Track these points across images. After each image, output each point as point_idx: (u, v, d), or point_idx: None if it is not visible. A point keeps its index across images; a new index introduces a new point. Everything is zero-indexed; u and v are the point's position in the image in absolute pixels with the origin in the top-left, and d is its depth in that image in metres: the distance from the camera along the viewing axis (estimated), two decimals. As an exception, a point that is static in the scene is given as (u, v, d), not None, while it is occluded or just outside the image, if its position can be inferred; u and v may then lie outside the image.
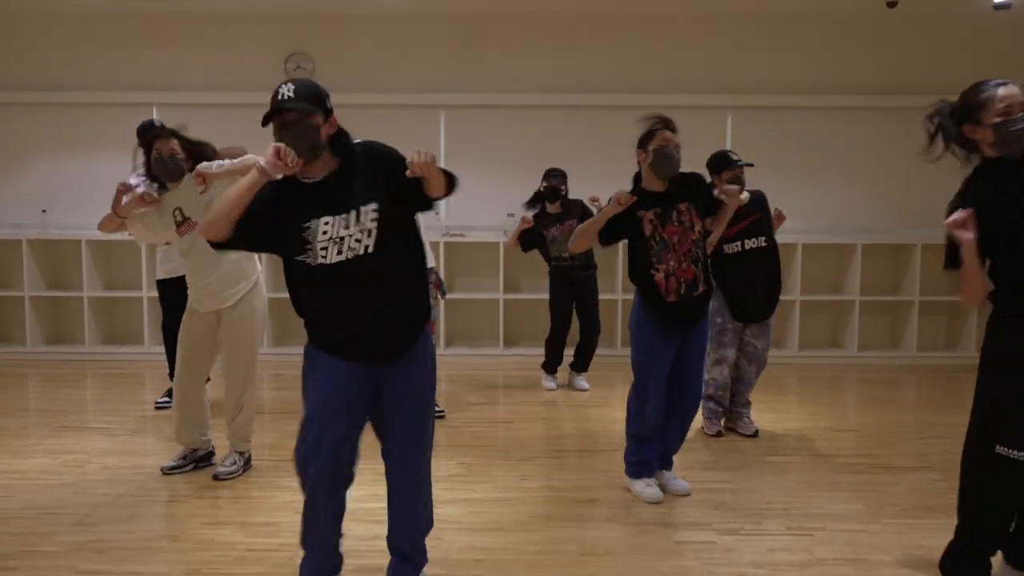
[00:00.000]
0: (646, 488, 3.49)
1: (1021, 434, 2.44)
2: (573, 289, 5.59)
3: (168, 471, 3.79)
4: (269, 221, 2.34)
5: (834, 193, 7.06)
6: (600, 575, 2.79)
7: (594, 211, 5.40)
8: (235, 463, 3.78)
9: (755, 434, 4.47)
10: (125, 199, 3.63)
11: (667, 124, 3.42)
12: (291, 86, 2.32)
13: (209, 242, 2.38)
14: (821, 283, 7.03)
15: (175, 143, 3.67)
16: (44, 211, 7.10)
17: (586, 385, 5.65)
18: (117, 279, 7.15)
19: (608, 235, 3.40)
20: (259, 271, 3.86)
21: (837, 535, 3.14)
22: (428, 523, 2.64)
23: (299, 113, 2.29)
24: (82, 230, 6.92)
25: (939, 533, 3.01)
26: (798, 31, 6.99)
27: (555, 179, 5.51)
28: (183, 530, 3.16)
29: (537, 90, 6.98)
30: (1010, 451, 2.44)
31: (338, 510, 2.53)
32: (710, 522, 3.27)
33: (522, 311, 6.89)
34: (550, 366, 5.75)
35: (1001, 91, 2.51)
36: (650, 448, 3.51)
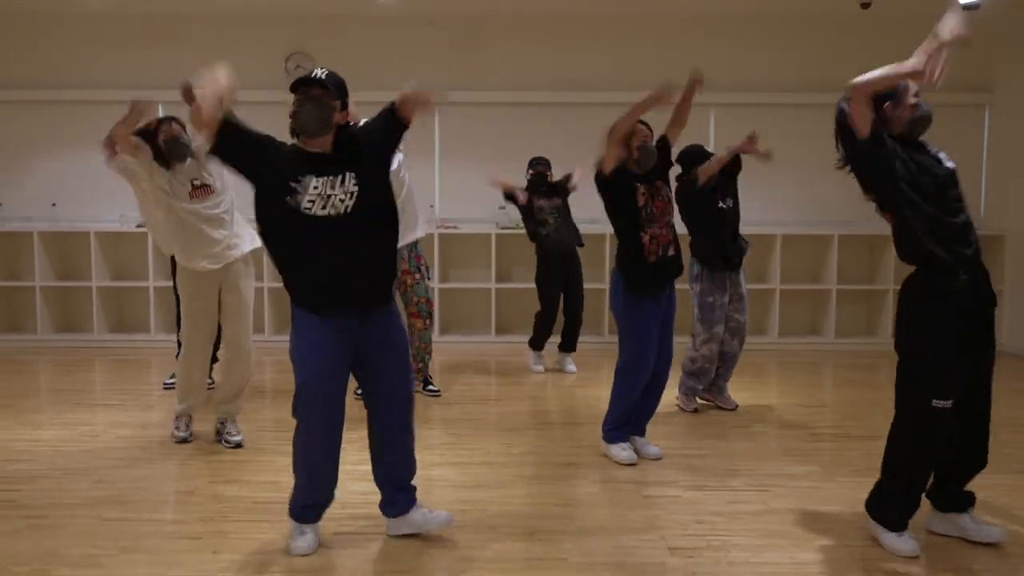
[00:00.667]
0: (621, 451, 3.79)
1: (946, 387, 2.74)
2: (560, 265, 5.75)
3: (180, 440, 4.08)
4: (258, 149, 2.72)
5: (812, 186, 7.33)
6: (575, 522, 3.08)
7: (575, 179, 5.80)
8: (239, 430, 4.07)
9: (735, 408, 4.78)
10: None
11: (643, 121, 3.96)
12: (326, 71, 2.75)
13: (209, 147, 2.71)
14: (800, 272, 7.32)
15: (176, 126, 3.93)
16: (54, 205, 7.35)
17: (574, 368, 5.91)
18: (124, 270, 7.43)
19: (608, 188, 3.82)
20: (251, 244, 4.04)
21: (793, 491, 3.44)
22: (415, 466, 2.97)
23: (324, 91, 2.69)
24: (90, 223, 7.20)
25: None
26: (778, 31, 7.28)
27: (540, 166, 5.81)
28: (195, 486, 3.45)
29: (528, 88, 7.26)
30: (942, 403, 2.73)
31: (336, 444, 2.82)
32: (677, 480, 3.57)
33: (513, 300, 7.17)
34: (537, 342, 5.95)
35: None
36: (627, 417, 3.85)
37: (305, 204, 2.64)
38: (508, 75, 7.31)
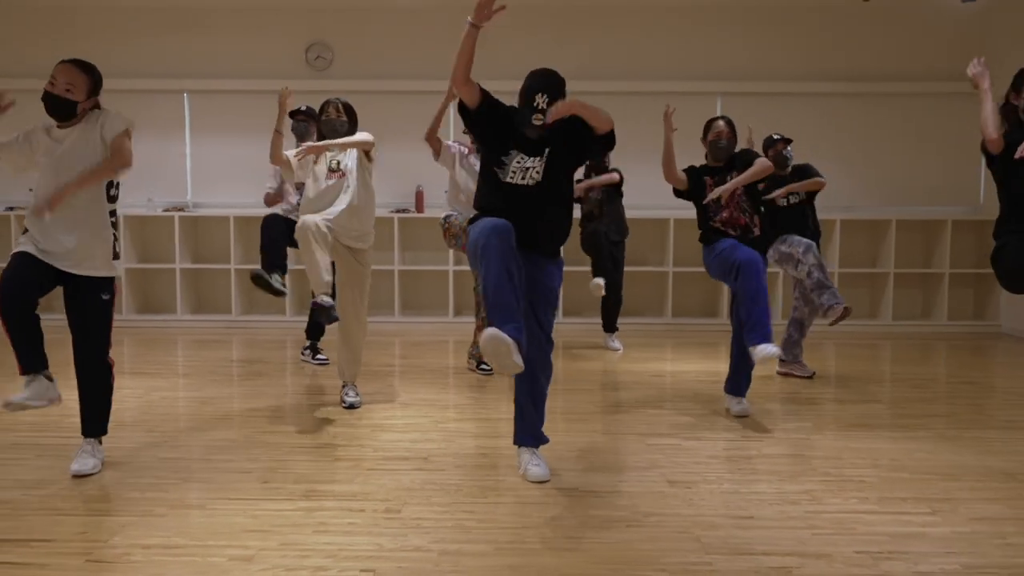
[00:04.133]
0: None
1: None
2: (597, 246, 6.04)
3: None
4: (501, 125, 3.32)
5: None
6: (583, 463, 3.40)
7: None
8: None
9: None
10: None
11: (722, 118, 4.46)
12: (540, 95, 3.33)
13: (460, 106, 3.37)
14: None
15: (341, 110, 4.36)
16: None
17: (618, 345, 6.23)
18: (150, 252, 7.78)
19: (681, 194, 4.38)
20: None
21: (784, 440, 3.76)
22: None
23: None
24: (119, 207, 7.53)
25: (868, 439, 3.72)
26: (783, 21, 7.58)
27: None
28: (240, 434, 3.80)
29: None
30: None
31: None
32: (679, 433, 3.89)
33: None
34: (609, 327, 6.29)
35: None
36: None
37: (509, 174, 3.23)
38: (522, 64, 7.58)
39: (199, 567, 2.40)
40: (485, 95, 3.32)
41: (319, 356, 5.53)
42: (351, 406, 4.31)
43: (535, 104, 3.26)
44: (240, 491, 3.03)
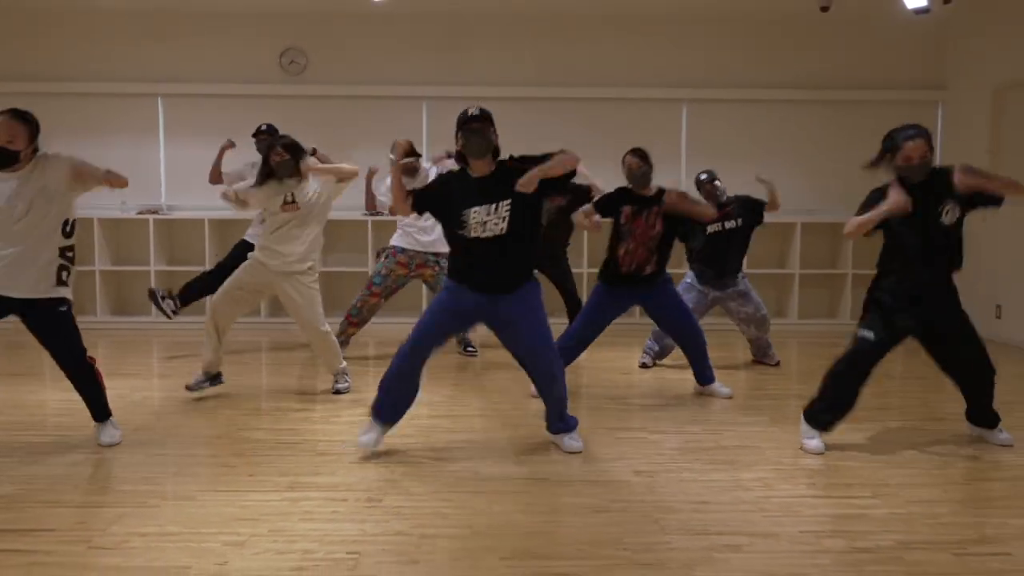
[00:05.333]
0: None
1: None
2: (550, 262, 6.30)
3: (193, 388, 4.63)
4: (440, 200, 3.56)
5: (777, 177, 7.88)
6: (555, 454, 3.61)
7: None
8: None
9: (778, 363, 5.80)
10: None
11: (634, 152, 4.68)
12: (478, 109, 3.50)
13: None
14: (766, 258, 7.89)
15: (284, 152, 4.52)
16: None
17: None
18: (124, 255, 7.85)
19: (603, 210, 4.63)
20: (315, 260, 4.71)
21: (741, 433, 4.01)
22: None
23: (481, 124, 3.45)
24: (93, 209, 7.57)
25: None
26: (746, 30, 7.85)
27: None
28: (223, 432, 3.95)
29: (511, 83, 7.78)
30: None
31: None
32: (644, 427, 4.12)
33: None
34: None
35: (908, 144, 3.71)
36: None
37: (472, 229, 3.45)
38: (493, 71, 7.82)
39: (195, 552, 2.57)
40: (417, 199, 3.61)
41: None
42: (338, 391, 4.72)
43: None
44: (228, 483, 3.20)
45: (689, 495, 3.14)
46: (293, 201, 4.55)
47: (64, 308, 3.57)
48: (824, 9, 6.82)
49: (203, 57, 7.77)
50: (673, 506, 3.02)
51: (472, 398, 4.71)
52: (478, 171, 3.50)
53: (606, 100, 7.83)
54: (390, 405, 3.61)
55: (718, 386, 4.84)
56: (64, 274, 3.57)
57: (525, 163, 3.43)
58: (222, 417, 4.25)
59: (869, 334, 3.70)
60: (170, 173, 7.91)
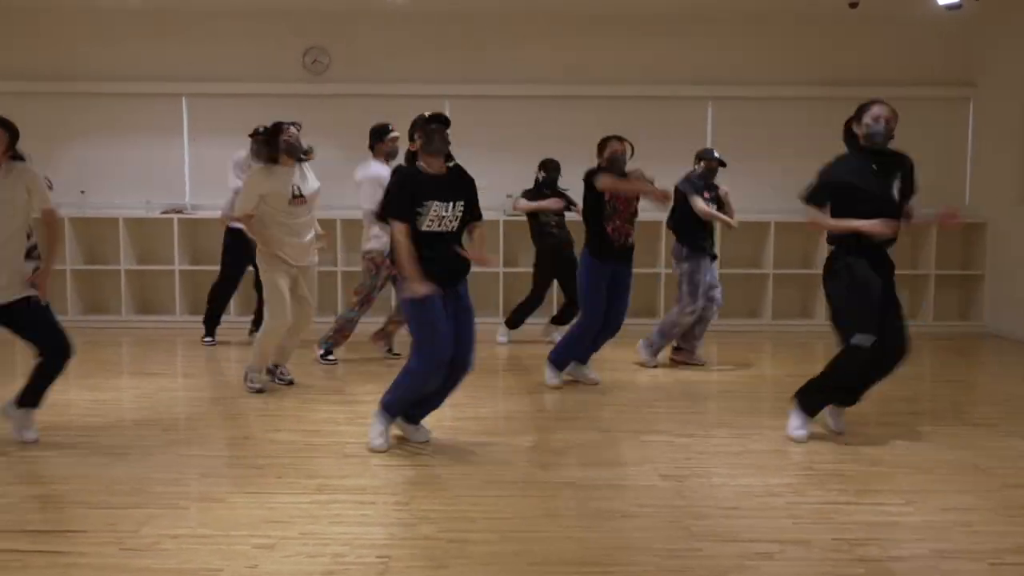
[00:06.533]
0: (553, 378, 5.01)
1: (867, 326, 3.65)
2: (559, 260, 6.34)
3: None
4: (398, 195, 3.59)
5: (803, 175, 7.78)
6: (579, 458, 3.60)
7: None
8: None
9: (704, 364, 5.72)
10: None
11: (617, 137, 4.97)
12: (431, 112, 3.64)
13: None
14: (791, 258, 7.79)
15: (295, 131, 4.65)
16: (83, 192, 7.80)
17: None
18: (149, 254, 7.90)
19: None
20: None
21: (767, 437, 3.97)
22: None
23: (440, 124, 3.62)
24: (118, 209, 7.66)
25: (849, 435, 3.97)
26: (772, 27, 7.76)
27: (554, 171, 6.40)
28: (251, 433, 3.97)
29: (534, 81, 7.75)
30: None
31: None
32: (669, 430, 4.09)
33: (521, 284, 7.65)
34: (516, 322, 6.65)
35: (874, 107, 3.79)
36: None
37: (426, 224, 3.56)
38: (515, 69, 7.80)
39: (226, 554, 2.58)
40: (407, 221, 3.58)
41: (328, 357, 5.74)
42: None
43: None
44: (257, 485, 3.21)
45: (718, 500, 3.11)
46: (300, 195, 4.62)
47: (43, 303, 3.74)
48: (853, 5, 6.74)
49: (227, 57, 7.81)
50: (702, 511, 3.00)
51: (496, 400, 4.70)
52: (433, 169, 3.62)
53: (630, 98, 7.78)
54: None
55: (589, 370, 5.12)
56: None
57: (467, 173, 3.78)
58: (247, 418, 4.27)
59: (866, 340, 3.69)
60: (194, 173, 7.95)
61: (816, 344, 6.83)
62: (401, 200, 3.55)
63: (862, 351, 3.68)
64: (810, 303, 7.89)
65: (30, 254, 3.72)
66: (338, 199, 6.90)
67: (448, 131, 3.63)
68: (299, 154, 4.67)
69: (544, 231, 6.40)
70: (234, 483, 3.24)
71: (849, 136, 3.92)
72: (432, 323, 3.52)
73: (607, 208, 4.86)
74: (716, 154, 5.70)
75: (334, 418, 4.27)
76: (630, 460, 3.60)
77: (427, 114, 3.63)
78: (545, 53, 7.78)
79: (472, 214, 3.72)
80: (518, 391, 4.95)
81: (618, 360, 5.78)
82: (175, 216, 7.58)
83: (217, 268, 7.72)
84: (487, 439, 3.91)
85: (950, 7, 7.00)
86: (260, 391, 4.73)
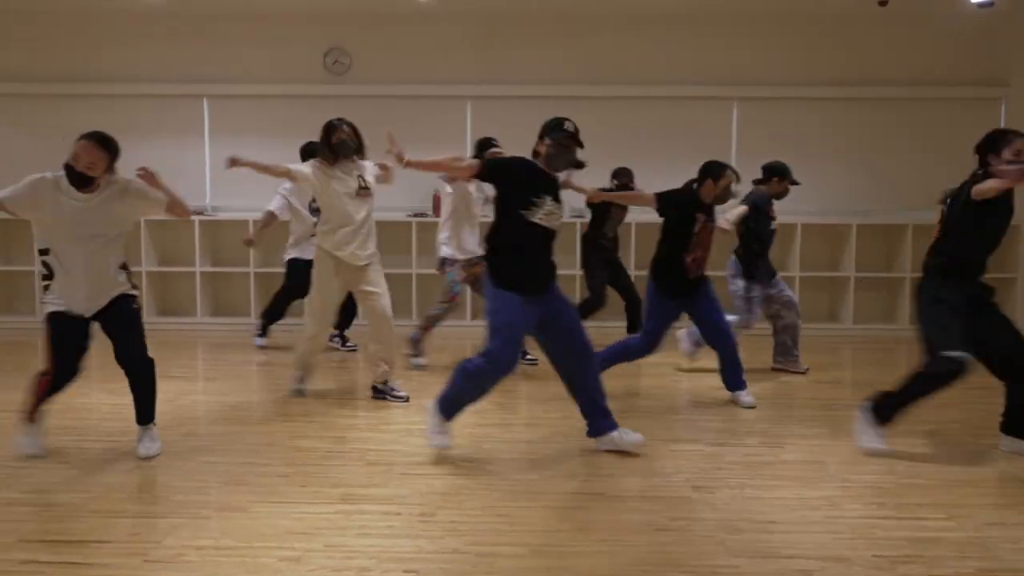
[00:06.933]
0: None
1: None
2: (610, 265, 6.37)
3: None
4: (514, 176, 3.59)
5: (832, 177, 7.70)
6: (609, 468, 3.52)
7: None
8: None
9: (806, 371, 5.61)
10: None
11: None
12: (573, 125, 3.64)
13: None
14: (819, 261, 7.69)
15: (350, 130, 4.62)
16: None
17: None
18: (170, 256, 7.90)
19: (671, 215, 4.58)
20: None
21: (801, 447, 3.87)
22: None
23: (573, 143, 3.66)
24: (140, 211, 7.67)
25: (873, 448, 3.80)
26: (799, 26, 7.64)
27: (625, 178, 6.36)
28: (274, 439, 3.92)
29: (555, 82, 7.67)
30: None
31: None
32: (700, 439, 4.00)
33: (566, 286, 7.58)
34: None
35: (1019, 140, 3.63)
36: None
37: (539, 216, 3.55)
38: (538, 69, 7.72)
39: (251, 568, 2.53)
40: (484, 168, 3.64)
41: (348, 344, 5.90)
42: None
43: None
44: (281, 494, 3.16)
45: (753, 514, 3.02)
46: (366, 187, 4.57)
47: (133, 304, 3.65)
48: (882, 4, 6.61)
49: (248, 58, 7.79)
50: (738, 525, 2.91)
51: (522, 406, 4.63)
52: (549, 171, 3.68)
53: (654, 99, 7.69)
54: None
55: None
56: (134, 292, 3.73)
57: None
58: (271, 424, 4.22)
59: (960, 355, 3.59)
60: (215, 174, 7.94)
61: (842, 347, 6.71)
62: (514, 171, 3.61)
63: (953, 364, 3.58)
64: (838, 306, 7.76)
65: (123, 267, 3.65)
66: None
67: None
68: (351, 152, 4.58)
69: (598, 243, 6.36)
70: (258, 492, 3.19)
71: (983, 160, 3.78)
72: (511, 324, 3.52)
73: (693, 239, 4.53)
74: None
75: (357, 424, 4.21)
76: (661, 470, 3.51)
77: (568, 127, 3.62)
78: (568, 53, 7.70)
79: None
80: (542, 397, 4.87)
81: (645, 364, 5.69)
82: (196, 218, 7.57)
83: (238, 269, 7.72)
84: (513, 447, 3.84)
85: (982, 5, 6.84)
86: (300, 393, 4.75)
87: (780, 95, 7.70)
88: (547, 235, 3.60)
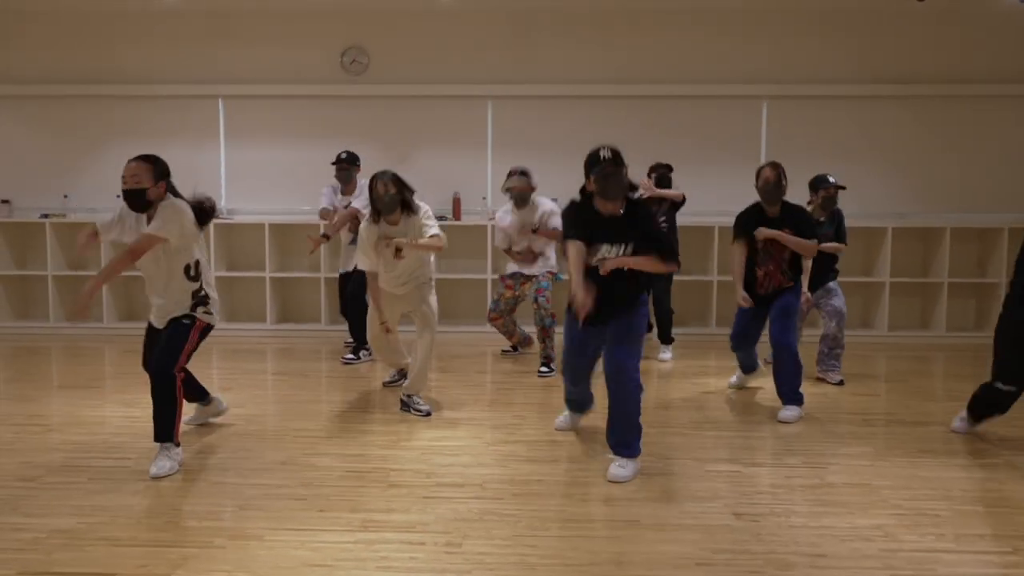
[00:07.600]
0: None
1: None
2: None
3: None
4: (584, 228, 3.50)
5: (865, 178, 7.45)
6: (644, 492, 3.31)
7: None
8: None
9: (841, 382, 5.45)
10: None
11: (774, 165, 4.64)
12: (609, 151, 3.43)
13: None
14: (852, 265, 7.42)
15: (391, 184, 4.43)
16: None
17: (668, 356, 6.25)
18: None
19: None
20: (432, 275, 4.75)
21: (848, 468, 3.65)
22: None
23: (616, 167, 3.43)
24: (155, 214, 7.54)
25: (938, 468, 3.60)
26: (832, 23, 7.41)
27: (662, 169, 6.23)
28: (289, 456, 3.74)
29: (579, 81, 7.48)
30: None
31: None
32: (737, 458, 3.79)
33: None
34: (666, 338, 6.36)
35: None
36: None
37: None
38: (561, 68, 7.53)
39: (265, 607, 2.35)
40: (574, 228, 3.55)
41: (365, 349, 5.95)
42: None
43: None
44: (297, 520, 2.98)
45: (801, 545, 2.81)
46: (400, 251, 4.50)
47: (187, 321, 3.67)
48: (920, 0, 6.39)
49: (264, 58, 7.64)
50: (786, 559, 2.70)
51: (547, 422, 4.43)
52: (607, 210, 3.50)
53: (681, 98, 7.47)
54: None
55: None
56: (199, 309, 3.72)
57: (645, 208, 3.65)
58: (285, 439, 4.05)
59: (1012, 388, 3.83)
60: (230, 176, 7.80)
61: (877, 355, 6.47)
62: (576, 224, 3.52)
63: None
64: (872, 311, 7.52)
65: (189, 274, 3.68)
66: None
67: (625, 171, 3.47)
68: (391, 210, 4.47)
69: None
70: (273, 517, 3.01)
71: None
72: (567, 351, 3.77)
73: (760, 253, 4.59)
74: (832, 179, 5.45)
75: (376, 440, 4.03)
76: (698, 494, 3.30)
77: (604, 155, 3.42)
78: (591, 52, 7.50)
79: (648, 246, 3.54)
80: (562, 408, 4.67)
81: (674, 375, 5.48)
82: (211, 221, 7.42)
83: (253, 274, 7.60)
84: (540, 467, 3.63)
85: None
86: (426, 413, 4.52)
87: (812, 93, 7.48)
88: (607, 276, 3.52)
